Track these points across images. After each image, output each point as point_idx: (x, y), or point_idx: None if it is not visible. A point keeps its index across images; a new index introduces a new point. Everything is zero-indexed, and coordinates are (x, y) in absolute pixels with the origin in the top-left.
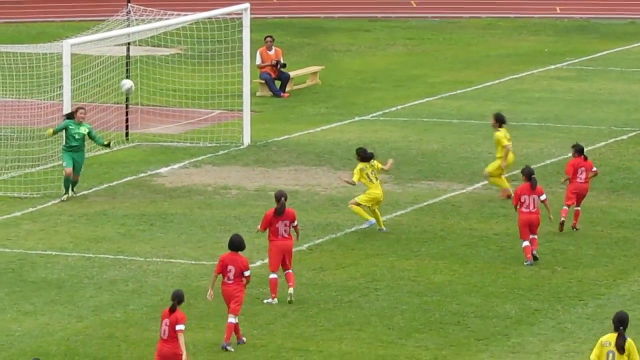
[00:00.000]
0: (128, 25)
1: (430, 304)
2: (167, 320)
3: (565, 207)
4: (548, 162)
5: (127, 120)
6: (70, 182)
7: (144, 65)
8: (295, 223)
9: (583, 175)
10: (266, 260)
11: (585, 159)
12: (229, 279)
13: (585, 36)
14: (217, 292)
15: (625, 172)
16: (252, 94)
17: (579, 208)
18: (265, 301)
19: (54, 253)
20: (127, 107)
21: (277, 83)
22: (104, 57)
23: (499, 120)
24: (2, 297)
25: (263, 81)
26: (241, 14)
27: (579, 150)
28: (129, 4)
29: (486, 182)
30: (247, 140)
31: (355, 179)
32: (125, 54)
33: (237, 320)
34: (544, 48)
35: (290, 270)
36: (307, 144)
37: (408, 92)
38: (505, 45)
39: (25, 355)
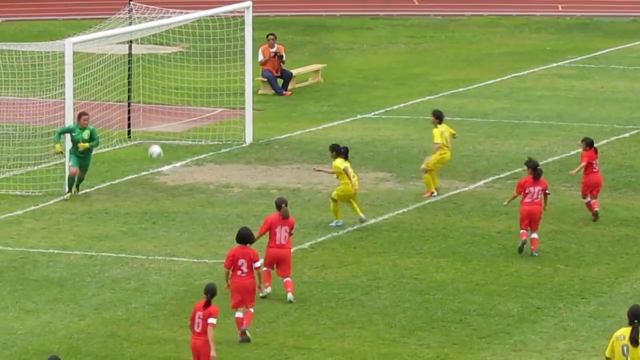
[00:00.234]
0: (130, 24)
1: (433, 302)
2: (200, 314)
3: (592, 200)
4: (550, 160)
5: (129, 118)
6: (74, 181)
7: (146, 63)
8: (293, 231)
9: (597, 167)
10: (262, 260)
11: (596, 151)
12: (242, 272)
13: (588, 34)
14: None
15: (628, 170)
16: (255, 92)
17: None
18: (260, 295)
19: (56, 251)
20: (129, 105)
21: (280, 81)
22: (106, 56)
23: (439, 117)
24: (5, 296)
25: (265, 79)
26: (243, 12)
27: (589, 143)
28: (131, 2)
29: (488, 180)
30: (249, 138)
31: (337, 175)
32: (127, 52)
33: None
34: (546, 46)
35: (288, 278)
36: (309, 142)
37: (410, 90)
38: (507, 43)
39: (28, 353)
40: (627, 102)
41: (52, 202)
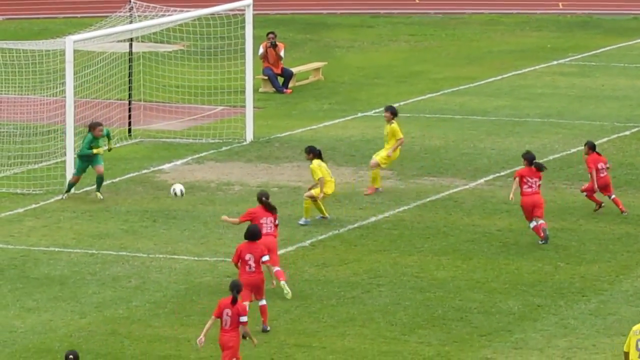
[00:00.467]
0: (131, 22)
1: (433, 300)
2: (228, 311)
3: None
4: (551, 157)
5: (129, 116)
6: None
7: (147, 61)
8: (277, 222)
9: (604, 170)
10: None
11: (599, 154)
12: (250, 268)
13: (588, 32)
14: (219, 289)
15: (628, 168)
16: (255, 90)
17: (614, 196)
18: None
19: (56, 249)
20: (129, 103)
21: (280, 79)
22: (107, 54)
23: (394, 113)
24: (5, 294)
25: (266, 77)
26: (244, 10)
27: (592, 147)
28: (132, 1)
29: (489, 177)
30: (249, 136)
31: (318, 174)
32: (128, 50)
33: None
34: (546, 44)
35: (278, 268)
36: (310, 140)
37: (411, 88)
38: (507, 41)
39: (28, 351)
40: (628, 100)
41: (52, 200)
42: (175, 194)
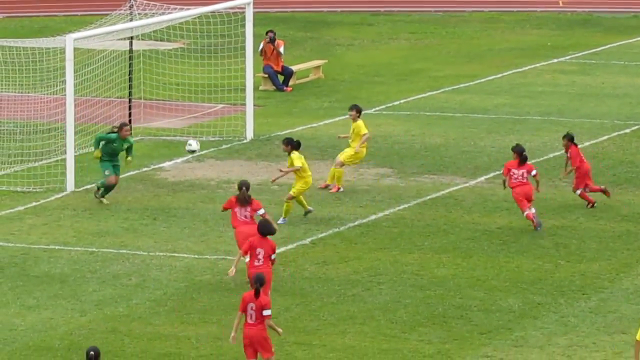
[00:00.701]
0: (131, 20)
1: (434, 298)
2: (252, 305)
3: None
4: (551, 155)
5: (130, 114)
6: (112, 189)
7: (147, 59)
8: (262, 212)
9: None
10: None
11: (576, 145)
12: (258, 261)
13: (588, 30)
14: (219, 287)
15: (628, 166)
16: (255, 88)
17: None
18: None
19: (57, 247)
20: (130, 101)
21: (280, 78)
22: (107, 52)
23: (359, 111)
24: (6, 292)
25: (266, 75)
26: (244, 8)
27: (571, 139)
28: None
29: (489, 175)
30: (250, 134)
31: (299, 163)
32: (128, 48)
33: None
34: (547, 42)
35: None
36: (310, 138)
37: (411, 86)
38: (508, 39)
39: (29, 349)
40: (628, 98)
41: (53, 198)
42: (192, 149)
